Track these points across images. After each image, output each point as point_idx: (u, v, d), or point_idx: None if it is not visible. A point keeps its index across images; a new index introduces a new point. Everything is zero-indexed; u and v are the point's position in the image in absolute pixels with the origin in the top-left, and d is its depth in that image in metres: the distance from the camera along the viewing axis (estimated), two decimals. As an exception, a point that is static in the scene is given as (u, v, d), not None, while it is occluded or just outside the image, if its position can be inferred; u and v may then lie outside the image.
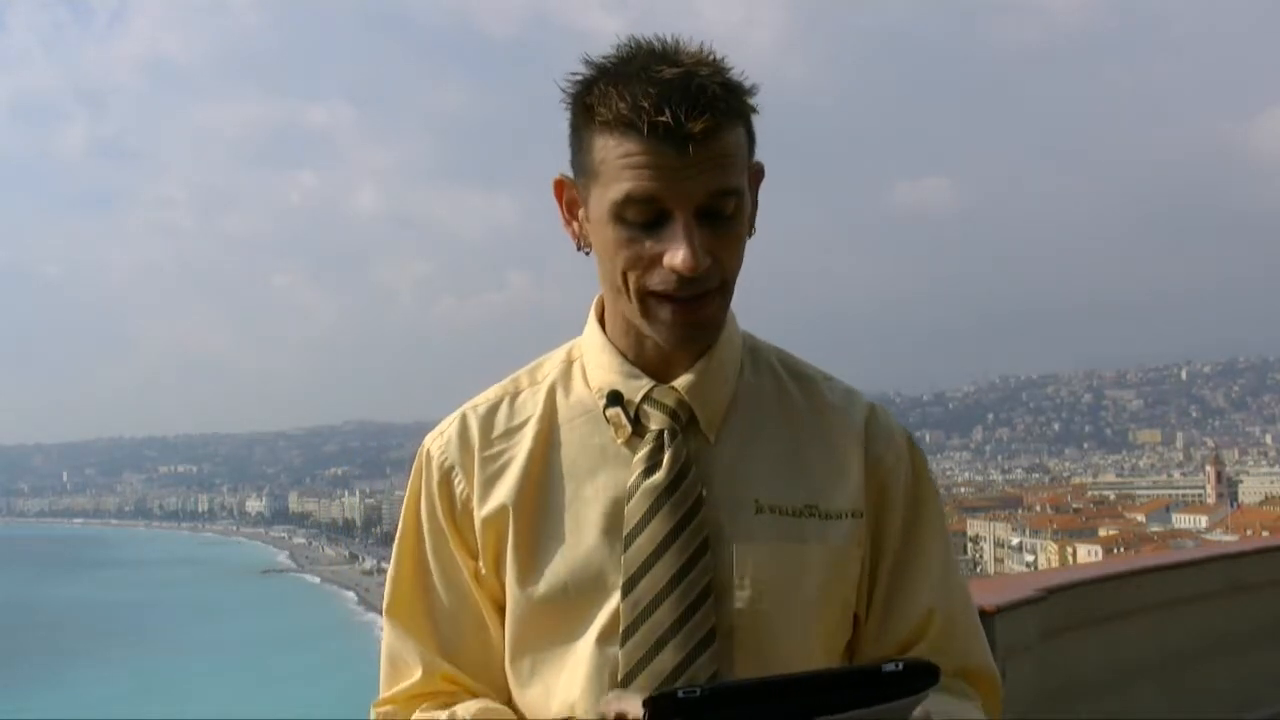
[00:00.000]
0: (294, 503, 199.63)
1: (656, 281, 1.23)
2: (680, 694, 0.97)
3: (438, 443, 1.39)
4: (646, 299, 1.25)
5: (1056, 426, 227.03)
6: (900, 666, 0.99)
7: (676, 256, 1.21)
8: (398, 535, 1.41)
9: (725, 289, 1.27)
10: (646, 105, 1.18)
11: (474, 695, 1.34)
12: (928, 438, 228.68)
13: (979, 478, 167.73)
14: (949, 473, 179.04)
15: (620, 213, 1.22)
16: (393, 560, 1.41)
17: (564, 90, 1.27)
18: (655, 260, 1.23)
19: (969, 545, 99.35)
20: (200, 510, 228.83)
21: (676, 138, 1.18)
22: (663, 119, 1.18)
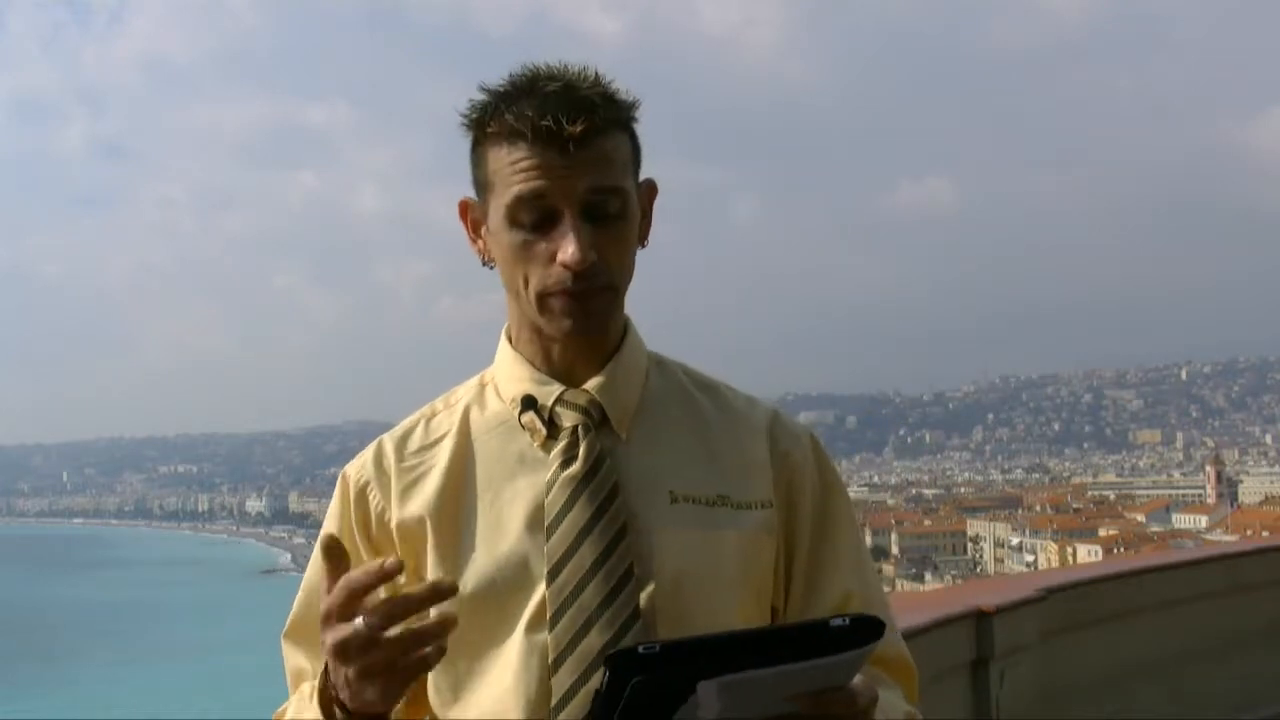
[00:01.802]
0: (294, 503, 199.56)
1: (551, 280, 1.32)
2: (640, 649, 1.00)
3: (354, 466, 1.45)
4: (544, 298, 1.34)
5: (1056, 426, 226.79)
6: (847, 621, 1.03)
7: (566, 251, 1.30)
8: (310, 561, 1.43)
9: (614, 289, 1.36)
10: (531, 114, 1.30)
11: None
12: (927, 438, 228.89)
13: (979, 478, 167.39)
14: (949, 473, 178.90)
15: (514, 215, 1.33)
16: (301, 587, 1.45)
17: (461, 116, 1.38)
18: (549, 259, 1.32)
19: (969, 545, 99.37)
20: (200, 510, 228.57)
21: (559, 139, 1.30)
22: (546, 123, 1.29)
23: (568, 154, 1.30)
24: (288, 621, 1.45)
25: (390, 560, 1.15)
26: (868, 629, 1.04)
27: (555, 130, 1.30)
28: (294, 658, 1.43)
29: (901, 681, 1.42)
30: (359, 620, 1.11)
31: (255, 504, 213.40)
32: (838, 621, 1.03)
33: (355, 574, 1.15)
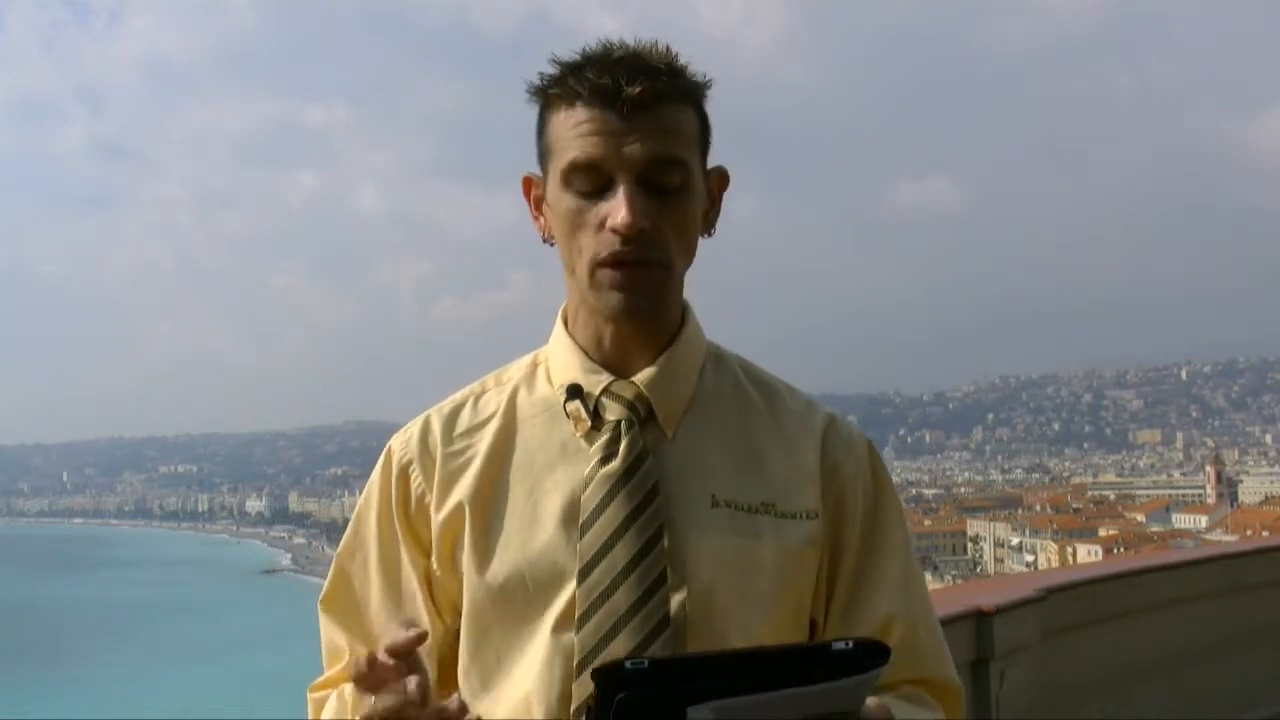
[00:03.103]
0: (294, 503, 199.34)
1: (601, 248, 1.28)
2: (628, 665, 0.97)
3: (400, 440, 1.42)
4: (594, 269, 1.29)
5: (1056, 426, 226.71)
6: (850, 645, 0.99)
7: (616, 216, 1.25)
8: (347, 530, 1.44)
9: (669, 266, 1.31)
10: (591, 75, 1.27)
11: None
12: (927, 438, 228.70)
13: (979, 478, 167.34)
14: (949, 473, 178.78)
15: (568, 181, 1.28)
16: (337, 554, 1.44)
17: (530, 88, 1.34)
18: (601, 226, 1.27)
19: (969, 545, 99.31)
20: (200, 510, 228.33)
21: (616, 100, 1.26)
22: (604, 82, 1.26)
23: (626, 117, 1.26)
24: (324, 589, 1.44)
25: (412, 632, 1.12)
26: (872, 653, 0.99)
27: (613, 91, 1.25)
28: (330, 631, 1.42)
29: (943, 702, 1.38)
30: (410, 682, 1.11)
31: (255, 504, 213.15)
32: (840, 645, 0.99)
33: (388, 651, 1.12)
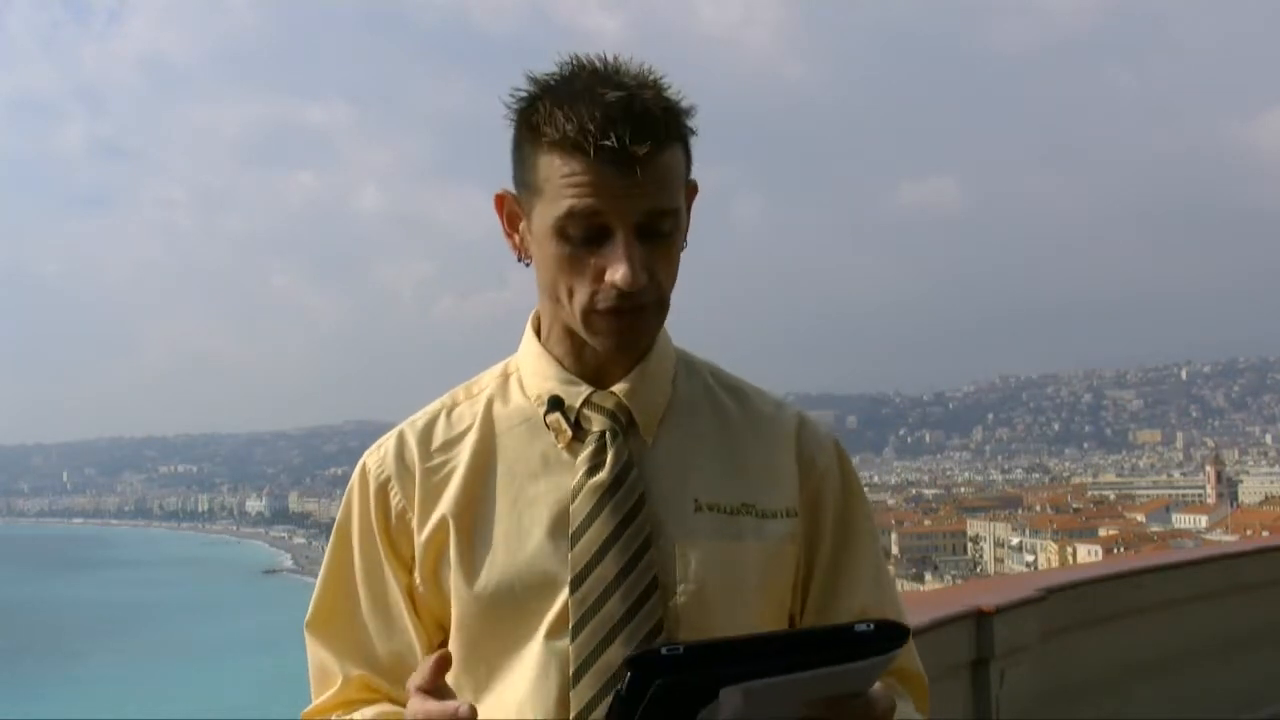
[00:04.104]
0: (294, 503, 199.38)
1: (599, 298, 1.28)
2: (664, 650, 0.99)
3: (374, 457, 1.41)
4: (589, 314, 1.29)
5: (1056, 426, 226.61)
6: (871, 627, 1.03)
7: (617, 273, 1.26)
8: (327, 551, 1.44)
9: (662, 304, 1.33)
10: (592, 128, 1.23)
11: (390, 700, 1.37)
12: (927, 438, 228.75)
13: (979, 478, 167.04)
14: (949, 473, 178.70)
15: (563, 228, 1.27)
16: (320, 576, 1.44)
17: (508, 106, 1.31)
18: (597, 276, 1.27)
19: (969, 545, 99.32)
20: (200, 510, 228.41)
21: (621, 160, 1.23)
22: (608, 143, 1.22)
23: (629, 175, 1.24)
24: (309, 609, 1.43)
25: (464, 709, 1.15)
26: (891, 635, 1.04)
27: (619, 150, 1.23)
28: (317, 651, 1.42)
29: (913, 693, 1.42)
30: None
31: (255, 504, 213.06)
32: (862, 627, 1.03)
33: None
